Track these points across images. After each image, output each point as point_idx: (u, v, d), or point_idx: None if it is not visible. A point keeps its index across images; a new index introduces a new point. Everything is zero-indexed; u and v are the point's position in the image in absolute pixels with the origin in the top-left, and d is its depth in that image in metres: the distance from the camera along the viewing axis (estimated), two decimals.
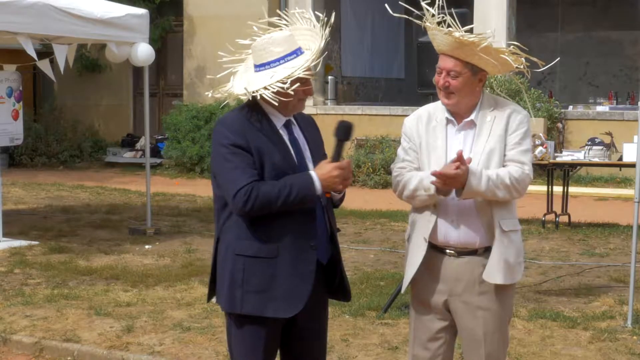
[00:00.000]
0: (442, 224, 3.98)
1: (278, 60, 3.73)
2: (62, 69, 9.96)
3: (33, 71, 19.28)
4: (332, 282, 3.97)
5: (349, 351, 6.11)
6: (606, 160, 10.73)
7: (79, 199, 14.03)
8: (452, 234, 3.98)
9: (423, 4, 3.97)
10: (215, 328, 6.56)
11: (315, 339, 4.02)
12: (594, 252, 9.56)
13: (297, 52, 3.75)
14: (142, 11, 10.72)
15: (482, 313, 4.01)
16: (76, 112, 20.37)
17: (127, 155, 19.53)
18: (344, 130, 3.82)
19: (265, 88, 3.67)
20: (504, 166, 3.98)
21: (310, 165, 3.83)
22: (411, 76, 17.45)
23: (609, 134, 11.01)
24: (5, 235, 10.08)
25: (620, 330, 6.52)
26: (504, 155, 3.99)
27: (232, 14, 17.83)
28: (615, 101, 18.12)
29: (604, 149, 10.66)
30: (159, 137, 19.13)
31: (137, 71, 18.80)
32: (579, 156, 10.70)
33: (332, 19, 3.77)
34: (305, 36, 3.84)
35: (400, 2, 4.26)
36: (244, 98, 3.78)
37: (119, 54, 10.44)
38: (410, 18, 4.11)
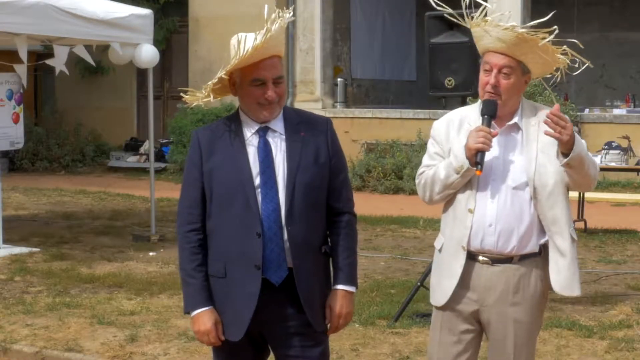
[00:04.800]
0: (479, 228, 3.79)
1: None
2: (64, 70, 9.83)
3: (34, 73, 19.24)
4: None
5: None
6: (623, 165, 10.86)
7: (81, 204, 14.00)
8: (489, 239, 3.79)
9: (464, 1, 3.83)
10: None
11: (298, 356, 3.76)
12: (611, 259, 9.49)
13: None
14: (146, 11, 10.67)
15: (515, 325, 3.87)
16: (78, 115, 20.35)
17: (131, 160, 19.51)
18: (487, 106, 3.81)
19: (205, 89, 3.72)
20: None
21: (280, 173, 3.63)
22: (423, 78, 17.32)
23: (627, 137, 11.04)
24: (5, 242, 10.02)
25: (638, 340, 6.44)
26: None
27: (239, 14, 17.71)
28: (632, 104, 18.12)
29: (621, 153, 10.76)
30: (164, 141, 19.14)
31: (141, 73, 18.71)
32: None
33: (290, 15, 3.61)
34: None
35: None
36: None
37: (122, 55, 10.38)
38: (455, 18, 3.96)
